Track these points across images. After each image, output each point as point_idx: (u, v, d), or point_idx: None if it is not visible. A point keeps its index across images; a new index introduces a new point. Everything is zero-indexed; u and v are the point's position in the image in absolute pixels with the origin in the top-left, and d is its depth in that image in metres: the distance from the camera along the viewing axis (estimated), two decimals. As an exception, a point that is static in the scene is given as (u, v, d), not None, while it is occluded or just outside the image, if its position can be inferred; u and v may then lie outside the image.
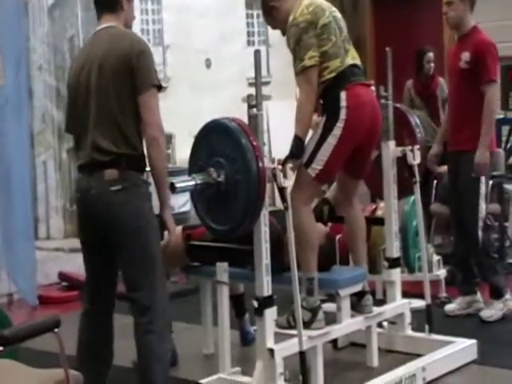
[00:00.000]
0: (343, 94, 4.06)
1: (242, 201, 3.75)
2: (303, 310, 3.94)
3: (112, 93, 3.47)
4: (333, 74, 4.09)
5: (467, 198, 5.17)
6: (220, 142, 3.84)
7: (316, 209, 4.84)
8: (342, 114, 4.05)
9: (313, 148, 4.10)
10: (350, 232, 4.48)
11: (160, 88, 3.51)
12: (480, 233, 5.15)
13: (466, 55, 5.12)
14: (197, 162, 3.91)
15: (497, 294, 5.26)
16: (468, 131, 5.11)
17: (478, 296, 5.37)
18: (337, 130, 4.06)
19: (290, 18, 4.13)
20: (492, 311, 5.20)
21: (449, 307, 5.33)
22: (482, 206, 5.15)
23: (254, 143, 3.74)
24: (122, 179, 3.45)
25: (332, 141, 4.06)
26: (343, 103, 4.06)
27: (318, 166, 4.08)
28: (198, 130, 4.01)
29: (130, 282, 3.54)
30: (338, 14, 4.31)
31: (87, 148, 3.51)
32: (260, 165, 3.72)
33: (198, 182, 3.81)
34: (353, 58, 4.21)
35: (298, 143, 4.07)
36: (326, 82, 4.10)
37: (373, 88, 4.42)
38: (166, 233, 3.59)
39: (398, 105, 5.08)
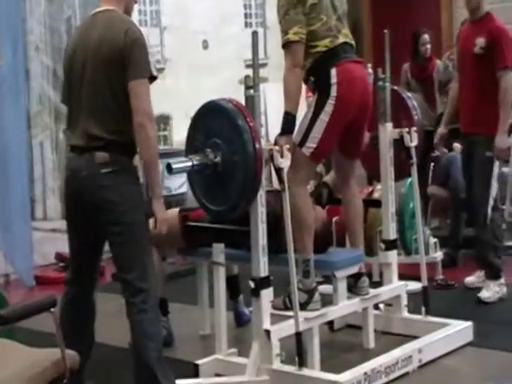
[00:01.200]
0: (333, 71, 4.06)
1: (239, 181, 3.75)
2: (299, 291, 3.94)
3: (104, 79, 3.46)
4: (323, 49, 4.09)
5: (480, 177, 5.21)
6: (217, 123, 3.83)
7: (315, 192, 4.85)
8: (333, 91, 4.05)
9: (306, 127, 4.10)
10: (347, 214, 4.49)
11: (153, 78, 3.48)
12: (490, 211, 5.19)
13: (480, 41, 5.14)
14: (193, 143, 3.91)
15: (494, 275, 5.29)
16: (482, 114, 5.16)
17: (502, 280, 5.36)
18: (328, 107, 4.05)
19: None
20: (490, 292, 5.23)
21: (468, 280, 5.47)
22: (494, 185, 5.21)
23: (251, 124, 3.74)
24: (113, 162, 3.45)
25: (324, 117, 4.06)
26: (334, 80, 4.05)
27: (312, 144, 4.07)
28: (195, 111, 4.01)
29: (121, 264, 3.55)
30: None
31: (78, 132, 3.51)
32: (257, 146, 3.72)
33: (195, 163, 3.80)
34: (345, 36, 4.20)
35: (287, 119, 4.06)
36: (315, 55, 4.09)
37: (367, 66, 4.42)
38: (151, 220, 3.58)
39: (395, 87, 5.07)
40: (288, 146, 3.87)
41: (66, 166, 3.64)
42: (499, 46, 5.10)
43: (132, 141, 3.47)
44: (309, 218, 4.12)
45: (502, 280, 5.31)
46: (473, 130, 5.21)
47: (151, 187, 3.52)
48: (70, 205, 3.64)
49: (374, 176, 5.28)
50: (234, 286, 4.89)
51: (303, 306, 4.01)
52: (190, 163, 3.80)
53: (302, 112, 4.19)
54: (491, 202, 5.21)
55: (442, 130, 5.58)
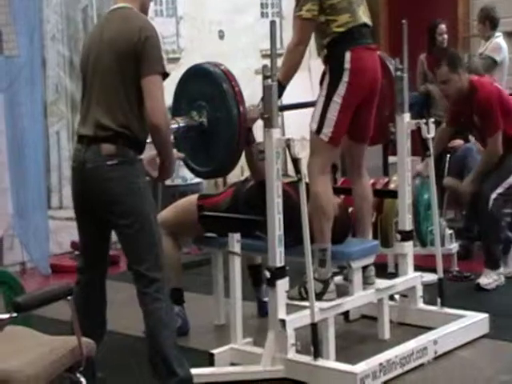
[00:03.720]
0: (348, 56, 4.07)
1: (223, 141, 3.88)
2: (315, 281, 3.94)
3: (117, 75, 3.48)
4: (341, 29, 4.09)
5: (499, 171, 5.30)
6: (202, 87, 3.94)
7: None
8: (345, 76, 4.06)
9: (321, 111, 4.10)
10: (357, 202, 4.48)
11: (166, 75, 3.50)
12: (491, 200, 5.21)
13: (475, 118, 5.34)
14: (179, 107, 3.98)
15: (493, 263, 5.31)
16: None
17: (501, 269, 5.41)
18: (341, 90, 4.07)
19: None
20: (489, 279, 5.26)
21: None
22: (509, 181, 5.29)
23: (236, 89, 3.85)
24: (119, 155, 3.47)
25: (338, 99, 4.07)
26: (347, 65, 4.06)
27: (329, 128, 4.08)
28: (181, 75, 4.07)
29: (132, 256, 3.56)
30: None
31: (89, 122, 3.53)
32: (240, 107, 3.83)
33: (181, 124, 3.91)
34: (364, 14, 4.20)
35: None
36: (333, 35, 4.10)
37: (379, 52, 4.44)
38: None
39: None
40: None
41: (72, 158, 3.66)
42: (488, 120, 5.27)
43: (139, 138, 3.51)
44: (329, 206, 4.12)
45: (501, 269, 5.34)
46: None
47: (165, 166, 3.58)
48: (77, 196, 3.66)
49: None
50: (256, 274, 4.89)
51: (318, 296, 4.01)
52: (176, 125, 3.88)
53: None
54: (499, 190, 5.26)
55: None
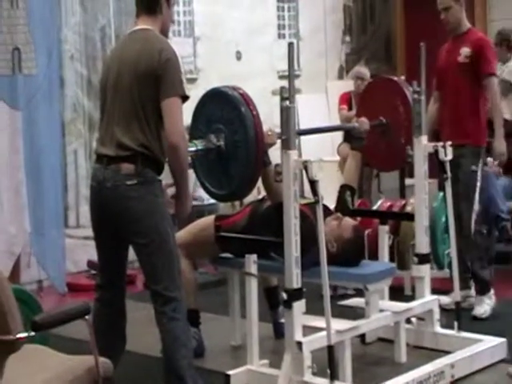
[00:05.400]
0: None
1: (241, 165, 3.89)
2: None
3: (137, 96, 3.50)
4: None
5: (465, 191, 5.17)
6: (220, 110, 3.95)
7: (340, 200, 4.82)
8: None
9: None
10: None
11: (185, 98, 3.51)
12: (473, 225, 5.17)
13: (466, 50, 5.21)
14: (197, 129, 3.99)
15: (484, 289, 5.24)
16: (468, 124, 5.19)
17: (472, 291, 5.34)
18: None
19: None
20: (484, 307, 5.18)
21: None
22: (476, 199, 5.19)
23: (254, 112, 3.86)
24: (138, 174, 3.48)
25: None
26: None
27: None
28: (199, 98, 4.10)
29: (149, 274, 3.58)
30: None
31: (109, 142, 3.55)
32: (258, 132, 3.84)
33: (199, 147, 3.92)
34: None
35: None
36: None
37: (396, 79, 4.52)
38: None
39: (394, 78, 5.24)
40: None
41: (91, 177, 3.67)
42: (484, 54, 5.18)
43: (158, 158, 3.52)
44: None
45: (492, 291, 5.27)
46: (458, 141, 5.07)
47: (178, 193, 3.58)
48: (96, 215, 3.67)
49: (369, 164, 5.31)
50: (273, 297, 4.87)
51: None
52: (194, 148, 3.89)
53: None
54: (474, 216, 5.18)
55: None
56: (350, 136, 5.64)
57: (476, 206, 5.19)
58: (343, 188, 4.82)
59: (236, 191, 4.04)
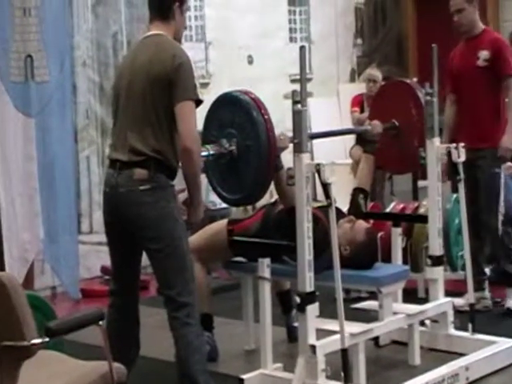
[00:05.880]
0: None
1: (253, 170, 3.89)
2: None
3: (150, 101, 3.51)
4: None
5: (489, 193, 5.17)
6: (232, 114, 3.96)
7: (353, 203, 4.81)
8: None
9: None
10: None
11: (199, 102, 3.52)
12: (500, 226, 5.17)
13: (484, 53, 5.19)
14: (209, 134, 3.99)
15: None
16: (488, 127, 5.17)
17: (486, 293, 5.33)
18: None
19: None
20: None
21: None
22: (501, 198, 5.18)
23: (266, 117, 3.86)
24: (151, 180, 3.49)
25: None
26: None
27: None
28: (211, 103, 4.10)
29: (163, 280, 3.58)
30: None
31: (121, 147, 3.56)
32: (270, 136, 3.84)
33: (211, 152, 3.92)
34: None
35: None
36: None
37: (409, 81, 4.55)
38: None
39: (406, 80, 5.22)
40: None
41: (104, 182, 3.68)
42: (503, 56, 5.17)
43: (171, 163, 3.53)
44: None
45: None
46: (478, 144, 5.13)
47: (191, 198, 3.57)
48: (109, 220, 3.68)
49: (382, 167, 5.29)
50: (286, 301, 4.88)
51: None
52: (206, 152, 3.89)
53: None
54: (500, 216, 5.18)
55: None
56: (362, 139, 5.65)
57: (502, 208, 5.17)
58: (356, 191, 4.81)
59: (248, 196, 4.04)
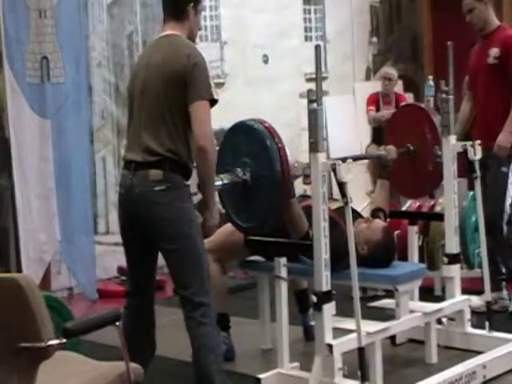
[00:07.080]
0: None
1: (266, 199, 3.89)
2: None
3: (164, 101, 3.51)
4: None
5: (495, 192, 5.13)
6: (246, 144, 3.96)
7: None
8: None
9: None
10: None
11: (214, 102, 3.52)
12: (505, 226, 5.12)
13: (494, 51, 5.14)
14: (224, 163, 3.97)
15: None
16: (497, 126, 5.11)
17: (504, 293, 5.29)
18: None
19: None
20: None
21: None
22: (508, 200, 5.14)
23: (279, 145, 3.86)
24: (166, 180, 3.49)
25: None
26: None
27: None
28: (225, 132, 4.13)
29: (178, 279, 3.59)
30: None
31: (136, 147, 3.56)
32: (284, 165, 3.84)
33: (225, 181, 3.92)
34: None
35: None
36: None
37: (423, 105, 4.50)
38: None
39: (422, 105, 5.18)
40: None
41: (119, 183, 3.68)
42: None
43: (185, 163, 3.53)
44: None
45: None
46: (488, 143, 5.01)
47: (205, 199, 3.56)
48: (124, 221, 3.68)
49: (397, 191, 5.26)
50: (303, 300, 4.88)
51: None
52: (220, 182, 3.88)
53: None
54: (505, 216, 5.14)
55: None
56: (378, 137, 5.62)
57: (507, 207, 5.15)
58: (375, 211, 4.78)
59: (261, 224, 4.02)
